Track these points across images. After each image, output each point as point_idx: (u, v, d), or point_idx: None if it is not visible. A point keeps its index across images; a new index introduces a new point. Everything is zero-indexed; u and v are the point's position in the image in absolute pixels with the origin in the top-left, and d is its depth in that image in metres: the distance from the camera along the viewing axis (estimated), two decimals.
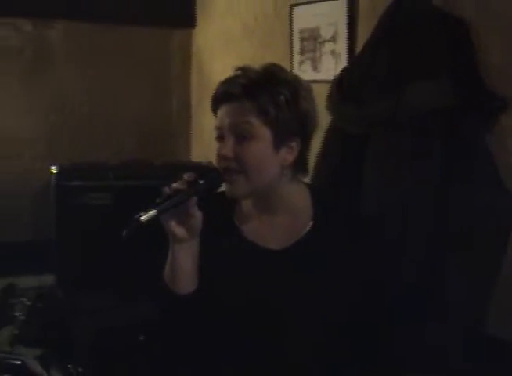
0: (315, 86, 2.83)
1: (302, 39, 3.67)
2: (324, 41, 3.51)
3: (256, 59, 4.10)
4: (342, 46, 3.37)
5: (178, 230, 1.63)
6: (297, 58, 3.73)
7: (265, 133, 1.66)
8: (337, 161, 2.82)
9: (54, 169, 4.06)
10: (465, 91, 2.53)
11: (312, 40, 3.59)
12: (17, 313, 2.03)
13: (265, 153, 1.67)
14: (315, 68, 3.60)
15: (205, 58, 4.77)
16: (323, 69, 3.50)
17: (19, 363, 1.39)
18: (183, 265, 1.68)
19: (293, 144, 1.71)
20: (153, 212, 1.52)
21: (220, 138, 1.70)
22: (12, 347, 2.22)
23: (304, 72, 3.65)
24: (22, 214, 4.43)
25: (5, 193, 4.36)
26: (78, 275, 3.90)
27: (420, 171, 2.54)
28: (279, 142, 1.68)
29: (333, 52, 3.45)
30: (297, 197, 1.79)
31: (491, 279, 2.56)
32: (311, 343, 1.74)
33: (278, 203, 1.76)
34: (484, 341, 2.58)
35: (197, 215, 1.64)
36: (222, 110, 1.70)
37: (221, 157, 1.68)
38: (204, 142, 4.63)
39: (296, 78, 1.76)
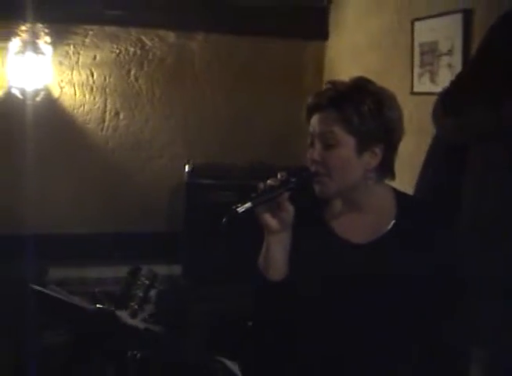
0: (432, 98, 3.01)
1: (422, 52, 3.80)
2: (441, 55, 3.62)
3: (381, 71, 4.26)
4: (458, 60, 3.47)
5: (272, 222, 1.81)
6: (417, 70, 3.85)
7: (348, 140, 1.81)
8: (437, 171, 2.92)
9: (187, 168, 4.41)
10: None
11: (431, 53, 3.71)
12: (138, 292, 2.26)
13: (349, 158, 1.82)
14: (432, 80, 3.71)
15: (336, 69, 4.97)
16: (440, 81, 3.59)
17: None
18: (275, 254, 1.85)
19: (377, 150, 1.84)
20: (248, 204, 1.72)
21: (311, 144, 1.87)
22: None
23: (423, 84, 3.78)
24: (160, 208, 4.82)
25: (146, 188, 4.80)
26: (202, 267, 4.20)
27: None
28: (362, 148, 1.82)
29: (449, 66, 3.55)
30: (382, 197, 1.93)
31: None
32: (386, 333, 1.85)
33: (364, 202, 1.91)
34: None
35: (289, 209, 1.81)
36: (313, 120, 1.87)
37: (311, 160, 1.86)
38: None
39: (381, 90, 1.90)
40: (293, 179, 1.78)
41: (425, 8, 3.77)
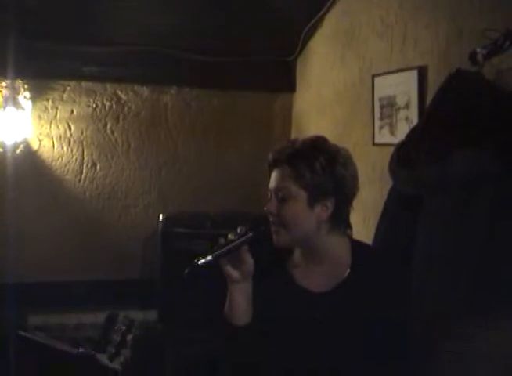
0: (391, 149, 3.21)
1: (382, 106, 4.01)
2: (399, 108, 3.84)
3: (346, 122, 4.48)
4: (414, 113, 3.69)
5: (233, 273, 1.98)
6: (377, 123, 4.06)
7: (300, 195, 1.98)
8: (392, 219, 3.12)
9: (161, 217, 4.59)
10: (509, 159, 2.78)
11: (390, 107, 3.93)
12: (116, 336, 2.40)
13: (301, 211, 1.99)
14: (392, 132, 3.92)
15: (303, 120, 5.19)
16: (398, 134, 3.80)
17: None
18: (238, 301, 2.01)
19: (328, 203, 2.01)
20: (209, 258, 1.89)
21: (270, 197, 2.07)
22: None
23: (384, 136, 3.99)
24: (135, 255, 4.99)
25: (122, 237, 4.97)
26: (177, 312, 4.34)
27: (467, 232, 2.75)
28: (313, 201, 1.99)
29: (406, 118, 3.77)
30: (337, 247, 2.08)
31: None
32: (343, 367, 1.99)
33: (320, 252, 2.06)
34: None
35: (249, 261, 1.98)
36: (272, 175, 2.08)
37: (268, 213, 2.04)
38: None
39: (336, 148, 2.08)
40: (250, 233, 1.94)
41: (384, 64, 4.00)
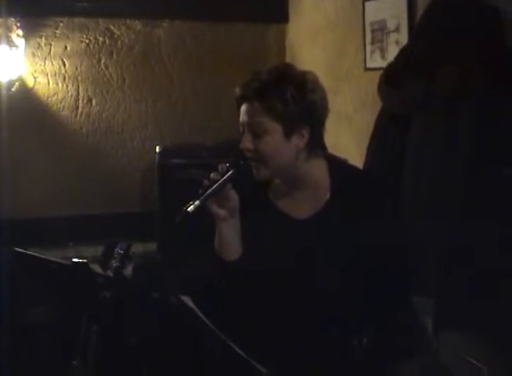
0: None
1: (372, 31, 4.05)
2: (389, 32, 3.88)
3: (337, 50, 4.51)
4: (404, 36, 3.73)
5: (220, 211, 1.97)
6: (368, 48, 4.11)
7: (275, 127, 1.93)
8: (381, 140, 3.18)
9: (158, 149, 4.65)
10: (494, 73, 2.83)
11: (380, 31, 3.96)
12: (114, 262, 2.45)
13: (278, 143, 1.95)
14: (383, 56, 3.97)
15: (297, 50, 5.20)
16: (389, 57, 3.79)
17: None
18: (228, 238, 2.01)
19: (304, 131, 1.98)
20: (197, 203, 1.88)
21: (243, 132, 2.01)
22: None
23: (375, 60, 4.04)
24: (134, 188, 5.07)
25: (120, 170, 5.04)
26: (177, 243, 4.43)
27: (451, 148, 2.85)
28: (289, 132, 1.95)
29: (397, 42, 3.81)
30: (316, 172, 2.06)
31: None
32: (331, 293, 2.00)
33: (300, 179, 2.05)
34: None
35: (234, 198, 1.97)
36: (242, 110, 2.01)
37: (243, 149, 1.99)
38: None
39: (303, 73, 2.02)
40: (232, 170, 1.92)
41: None
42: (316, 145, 2.02)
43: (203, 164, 4.54)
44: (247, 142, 1.97)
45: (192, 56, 5.12)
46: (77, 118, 4.91)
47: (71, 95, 4.88)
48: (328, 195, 2.03)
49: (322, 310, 2.00)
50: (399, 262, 2.06)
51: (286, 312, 2.02)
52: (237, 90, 2.01)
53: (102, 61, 4.91)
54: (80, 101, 4.90)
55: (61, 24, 4.80)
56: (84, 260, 1.81)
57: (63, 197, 4.86)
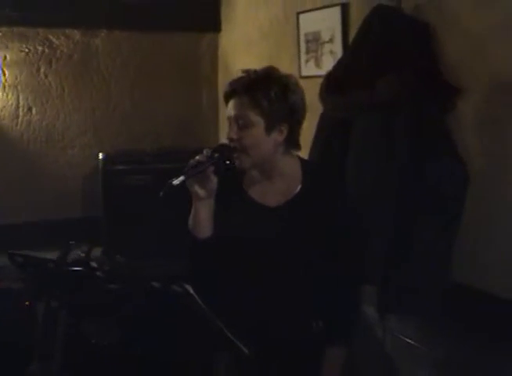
0: (317, 80, 3.50)
1: (307, 41, 4.30)
2: (324, 43, 4.13)
3: (272, 58, 4.74)
4: (338, 47, 3.99)
5: (200, 191, 2.16)
6: (303, 57, 4.36)
7: (259, 122, 2.15)
8: (325, 142, 3.44)
9: (101, 156, 4.78)
10: (425, 81, 3.12)
11: (315, 42, 4.22)
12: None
13: (260, 136, 2.16)
14: (317, 65, 4.22)
15: (230, 58, 5.43)
16: (324, 66, 4.09)
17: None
18: (202, 216, 2.21)
19: (283, 128, 2.19)
20: (182, 177, 2.03)
21: (229, 125, 2.22)
22: None
23: (310, 69, 4.28)
24: (76, 195, 5.18)
25: (61, 178, 5.13)
26: (122, 245, 4.58)
27: (388, 148, 3.12)
28: (270, 127, 2.17)
29: (331, 52, 4.07)
30: (290, 166, 2.29)
31: (452, 235, 3.15)
32: (297, 273, 2.25)
33: (275, 171, 2.27)
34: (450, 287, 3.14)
35: (214, 180, 2.17)
36: (230, 104, 2.21)
37: (229, 139, 2.21)
38: None
39: (286, 76, 2.24)
40: (216, 155, 2.13)
41: (308, 2, 4.28)
42: (293, 141, 2.24)
43: (146, 170, 4.72)
44: (233, 133, 2.17)
45: (129, 64, 5.27)
46: (18, 127, 4.98)
47: (11, 104, 4.95)
48: (298, 188, 2.25)
49: (285, 292, 2.22)
50: (355, 250, 2.32)
51: (252, 292, 2.23)
52: (226, 87, 2.20)
53: (42, 70, 5.00)
54: (20, 110, 4.98)
55: (0, 34, 4.86)
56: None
57: (6, 205, 4.91)
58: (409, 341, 3.18)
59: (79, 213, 5.15)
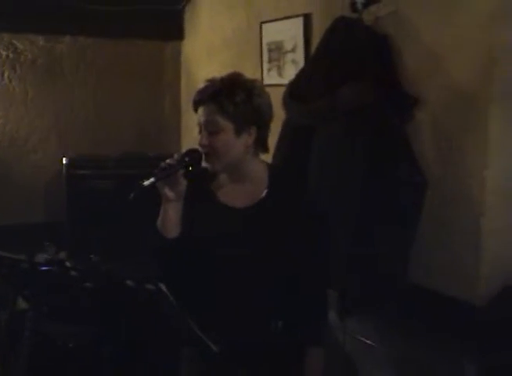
0: (279, 89, 3.59)
1: (270, 50, 4.40)
2: (286, 52, 4.24)
3: (234, 66, 4.80)
4: (300, 56, 4.10)
5: (169, 193, 2.24)
6: (266, 66, 4.46)
7: (227, 126, 2.23)
8: (289, 148, 3.54)
9: (64, 160, 4.81)
10: (384, 90, 3.24)
11: (277, 51, 4.32)
12: None
13: (229, 139, 2.24)
14: (280, 74, 4.32)
15: (192, 66, 5.51)
16: (286, 75, 4.19)
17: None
18: (171, 217, 2.28)
19: (251, 131, 2.27)
20: (152, 179, 2.13)
21: (200, 131, 2.30)
22: None
23: (272, 77, 4.38)
24: (38, 200, 5.20)
25: (24, 182, 5.15)
26: (87, 249, 4.60)
27: (350, 154, 3.22)
28: (239, 130, 2.24)
29: (293, 61, 4.17)
30: (257, 170, 2.37)
31: (410, 238, 3.27)
32: (261, 274, 2.31)
33: (243, 174, 2.35)
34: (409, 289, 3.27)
35: (183, 183, 2.26)
36: (199, 112, 2.29)
37: (200, 145, 2.28)
38: (192, 137, 5.32)
39: (251, 81, 2.33)
40: (186, 158, 2.22)
41: (271, 12, 4.38)
42: (262, 144, 2.33)
43: (109, 175, 4.77)
44: (204, 139, 2.25)
45: (92, 70, 5.32)
46: None
47: None
48: (265, 192, 2.33)
49: (247, 291, 2.29)
50: (322, 253, 2.39)
51: (215, 290, 2.30)
52: (195, 96, 2.29)
53: (6, 75, 5.03)
54: None
55: None
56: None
57: None
58: (368, 342, 3.29)
59: (42, 217, 5.16)
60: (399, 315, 3.22)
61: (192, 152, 2.26)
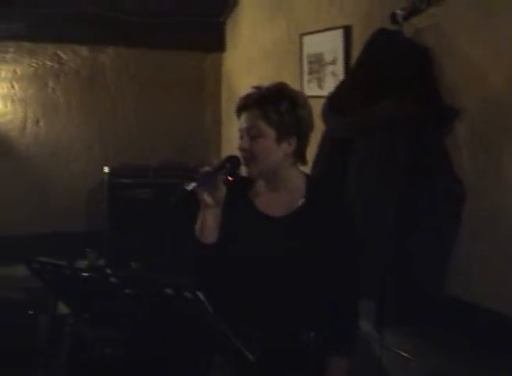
0: (319, 101, 3.61)
1: (310, 62, 4.42)
2: (326, 64, 4.26)
3: (274, 78, 4.79)
4: (340, 68, 4.11)
5: (208, 199, 2.27)
6: (306, 78, 4.48)
7: (269, 132, 2.27)
8: (327, 160, 3.55)
9: (106, 169, 4.89)
10: (424, 102, 3.24)
11: (317, 63, 4.34)
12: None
13: (270, 146, 2.28)
14: (319, 86, 4.34)
15: (233, 78, 5.55)
16: (326, 87, 4.21)
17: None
18: (209, 223, 2.31)
19: (292, 140, 2.30)
20: (194, 184, 2.18)
21: (241, 136, 2.33)
22: None
23: (312, 89, 4.40)
24: (80, 208, 5.28)
25: (66, 191, 5.25)
26: (127, 256, 4.67)
27: (388, 166, 3.23)
28: (280, 138, 2.28)
29: (333, 73, 4.19)
30: (295, 179, 2.40)
31: (448, 250, 3.26)
32: (295, 283, 2.32)
33: (281, 183, 2.38)
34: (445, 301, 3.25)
35: (223, 190, 2.28)
36: (242, 117, 2.33)
37: (240, 149, 2.32)
38: (232, 148, 5.36)
39: (296, 92, 2.38)
40: (227, 164, 2.26)
41: (311, 24, 4.40)
42: (301, 155, 2.36)
43: (150, 184, 4.83)
44: (244, 144, 2.28)
45: (135, 81, 5.40)
46: (25, 139, 5.10)
47: (19, 117, 5.08)
48: (302, 201, 2.35)
49: (281, 301, 2.30)
50: (354, 264, 2.39)
51: (249, 298, 2.31)
52: (239, 101, 2.32)
53: (50, 85, 5.13)
54: (28, 122, 5.10)
55: (11, 49, 5.00)
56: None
57: (12, 216, 5.01)
58: (405, 354, 3.27)
59: (83, 226, 5.23)
60: (436, 328, 3.20)
61: (232, 158, 2.29)
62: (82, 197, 5.26)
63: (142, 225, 4.68)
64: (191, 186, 2.16)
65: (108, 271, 2.09)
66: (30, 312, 4.09)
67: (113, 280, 2.02)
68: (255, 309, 2.32)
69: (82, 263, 4.46)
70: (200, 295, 1.83)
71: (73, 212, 5.22)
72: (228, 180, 2.29)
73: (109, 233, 4.82)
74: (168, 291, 1.89)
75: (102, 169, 4.97)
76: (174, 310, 1.94)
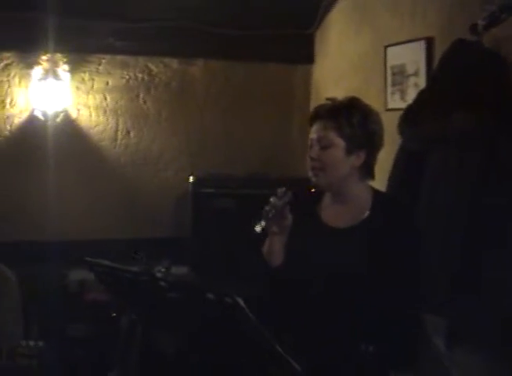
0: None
1: (393, 74, 4.38)
2: (409, 76, 4.20)
3: (360, 90, 4.82)
4: (422, 80, 4.04)
5: (275, 229, 2.38)
6: (389, 90, 4.44)
7: (339, 143, 2.32)
8: (402, 172, 3.51)
9: (191, 179, 4.99)
10: (500, 115, 3.15)
11: (400, 74, 4.29)
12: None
13: (339, 157, 2.33)
14: (402, 98, 4.29)
15: (321, 90, 5.55)
16: (408, 99, 4.10)
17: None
18: (276, 249, 2.41)
19: (361, 153, 2.35)
20: (263, 223, 2.26)
21: (311, 145, 2.40)
22: None
23: (395, 102, 4.36)
24: (167, 216, 5.41)
25: (154, 199, 5.38)
26: (209, 265, 4.76)
27: (462, 180, 3.16)
28: (349, 150, 2.33)
29: (416, 85, 4.12)
30: (361, 193, 2.43)
31: None
32: (358, 294, 2.31)
33: (347, 195, 2.42)
34: None
35: (289, 218, 2.38)
36: (314, 127, 2.40)
37: (310, 158, 2.39)
38: None
39: (368, 107, 2.43)
40: (290, 193, 2.32)
41: (395, 35, 4.37)
42: (368, 169, 2.39)
43: (233, 194, 4.89)
44: (314, 153, 2.35)
45: (223, 93, 5.48)
46: (116, 149, 5.27)
47: (111, 127, 5.25)
48: (367, 214, 2.37)
49: (339, 313, 2.32)
50: (413, 279, 2.38)
51: (311, 309, 2.35)
52: (312, 111, 2.41)
53: (141, 96, 5.29)
54: (119, 133, 5.27)
55: (103, 61, 5.20)
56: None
57: (102, 221, 5.20)
58: (475, 373, 3.17)
59: (169, 233, 5.35)
60: (507, 346, 3.09)
61: (295, 187, 2.35)
62: (169, 206, 5.37)
63: (224, 235, 4.73)
64: (260, 227, 2.25)
65: (158, 275, 2.13)
66: (113, 314, 4.23)
67: (162, 283, 2.08)
68: (315, 320, 2.34)
69: (157, 268, 4.57)
70: (240, 301, 1.85)
71: (161, 219, 5.34)
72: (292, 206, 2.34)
73: (193, 242, 4.90)
74: (209, 295, 1.92)
75: (188, 178, 5.06)
76: (214, 315, 1.97)
